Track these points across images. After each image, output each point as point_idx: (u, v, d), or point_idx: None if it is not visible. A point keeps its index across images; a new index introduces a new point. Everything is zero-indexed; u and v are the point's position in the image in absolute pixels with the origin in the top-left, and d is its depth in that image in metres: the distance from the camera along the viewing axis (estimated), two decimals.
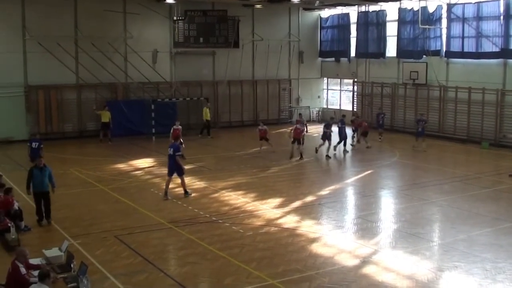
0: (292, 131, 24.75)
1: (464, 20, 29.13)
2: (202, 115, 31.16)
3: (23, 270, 10.13)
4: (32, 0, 28.95)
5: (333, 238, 14.13)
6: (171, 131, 25.13)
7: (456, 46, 29.77)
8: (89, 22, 30.29)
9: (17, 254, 10.52)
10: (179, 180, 18.25)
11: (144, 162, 23.93)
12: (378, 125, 30.40)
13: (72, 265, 11.39)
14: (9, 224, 13.73)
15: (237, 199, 17.99)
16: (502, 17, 27.41)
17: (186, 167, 23.00)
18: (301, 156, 24.39)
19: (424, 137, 27.12)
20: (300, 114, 29.77)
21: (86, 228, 14.94)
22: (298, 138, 24.34)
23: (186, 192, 18.19)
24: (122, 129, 29.83)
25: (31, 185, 15.00)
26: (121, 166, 23.40)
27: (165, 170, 22.25)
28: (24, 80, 29.23)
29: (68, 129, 30.52)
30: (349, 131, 27.58)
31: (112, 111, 29.51)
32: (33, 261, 11.26)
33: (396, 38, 33.09)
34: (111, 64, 30.86)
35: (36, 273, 10.08)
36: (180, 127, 25.65)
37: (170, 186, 18.29)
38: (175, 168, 18.03)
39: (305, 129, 26.30)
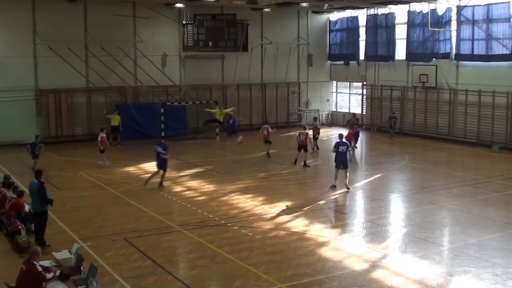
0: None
1: (474, 22, 28.97)
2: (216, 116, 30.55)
3: (39, 267, 10.20)
4: (43, 5, 29.13)
5: (342, 242, 14.10)
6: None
7: (466, 49, 29.62)
8: (99, 26, 30.43)
9: (32, 253, 10.52)
10: (188, 182, 18.06)
11: (154, 166, 23.87)
12: (390, 127, 31.18)
13: (82, 268, 11.44)
14: (20, 227, 13.88)
15: (246, 202, 17.98)
16: None
17: (195, 170, 23.19)
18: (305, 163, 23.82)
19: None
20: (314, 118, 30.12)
21: (96, 230, 15.01)
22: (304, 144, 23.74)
23: None
24: (131, 132, 29.89)
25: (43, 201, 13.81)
26: (131, 169, 23.48)
27: (174, 172, 22.51)
28: (34, 84, 29.41)
29: (78, 133, 30.61)
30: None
31: (122, 114, 29.60)
32: (43, 263, 11.29)
33: (405, 41, 32.97)
34: (120, 68, 30.98)
35: (49, 275, 10.16)
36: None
37: (179, 188, 18.16)
38: None
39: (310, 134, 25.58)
